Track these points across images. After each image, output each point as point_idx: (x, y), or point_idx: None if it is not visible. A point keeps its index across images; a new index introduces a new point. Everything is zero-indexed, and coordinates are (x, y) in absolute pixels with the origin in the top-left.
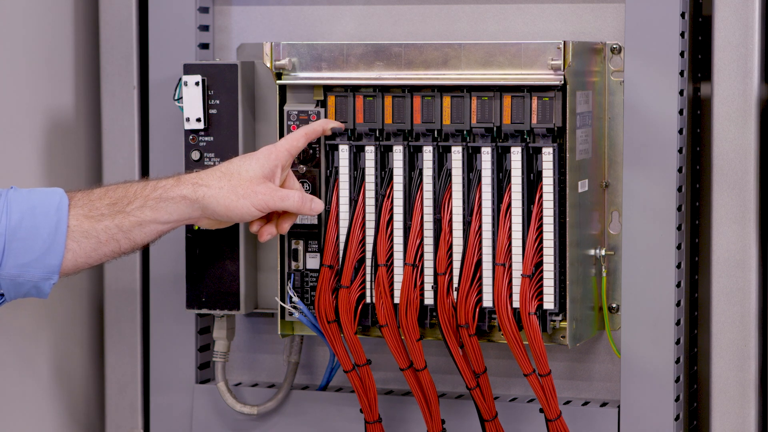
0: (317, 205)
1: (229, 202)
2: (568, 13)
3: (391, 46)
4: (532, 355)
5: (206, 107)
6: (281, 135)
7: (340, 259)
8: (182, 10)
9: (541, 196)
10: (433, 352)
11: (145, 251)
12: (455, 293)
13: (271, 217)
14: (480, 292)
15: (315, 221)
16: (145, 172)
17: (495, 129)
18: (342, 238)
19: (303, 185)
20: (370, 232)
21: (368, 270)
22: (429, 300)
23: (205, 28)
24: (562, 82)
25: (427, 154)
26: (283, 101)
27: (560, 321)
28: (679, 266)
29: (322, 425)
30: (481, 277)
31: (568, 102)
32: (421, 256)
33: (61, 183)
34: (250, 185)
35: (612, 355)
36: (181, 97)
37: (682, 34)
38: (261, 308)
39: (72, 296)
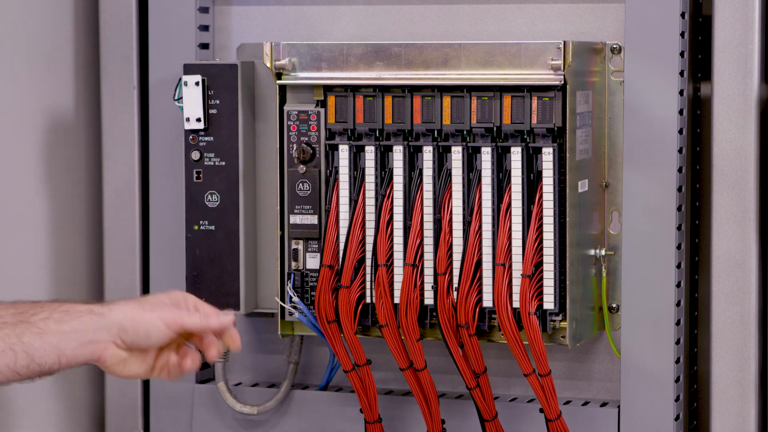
0: (225, 317)
1: (136, 314)
2: (568, 13)
3: (391, 46)
4: (532, 355)
5: (206, 107)
6: (281, 135)
7: (340, 259)
8: (182, 10)
9: (541, 196)
10: (433, 352)
11: (145, 251)
12: (455, 293)
13: (185, 351)
14: (480, 292)
15: (315, 221)
16: (145, 172)
17: (495, 129)
18: (342, 238)
19: (303, 185)
20: (370, 232)
21: (368, 270)
22: (429, 300)
23: (205, 28)
24: (562, 82)
25: (427, 154)
26: (283, 101)
27: (560, 321)
28: (679, 266)
29: (322, 425)
30: (481, 277)
31: (568, 102)
32: (421, 256)
33: (61, 183)
34: (158, 303)
35: (612, 355)
36: (181, 97)
37: (682, 34)
38: (261, 308)
39: (72, 296)
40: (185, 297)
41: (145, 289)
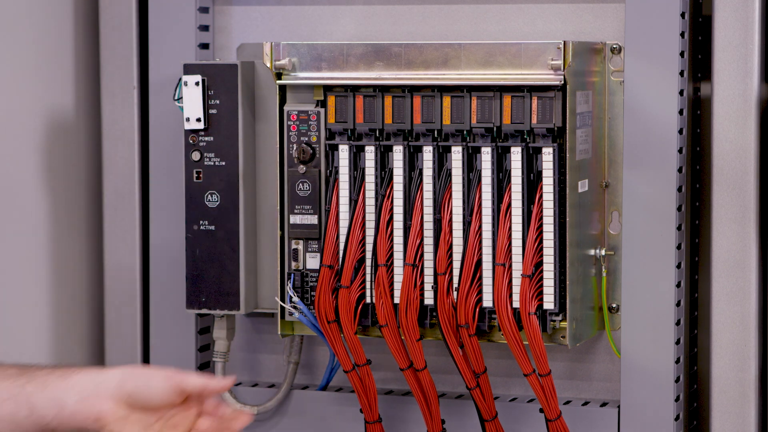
0: (226, 379)
1: (137, 368)
2: (568, 13)
3: (391, 46)
4: (532, 355)
5: (206, 107)
6: (281, 135)
7: (340, 259)
8: (182, 10)
9: (541, 196)
10: (433, 352)
11: (145, 251)
12: (455, 293)
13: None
14: (480, 292)
15: (315, 221)
16: (145, 172)
17: (495, 129)
18: (342, 238)
19: (303, 185)
20: (370, 232)
21: (368, 270)
22: (429, 300)
23: (205, 28)
24: (562, 82)
25: (427, 154)
26: (283, 101)
27: (560, 321)
28: (679, 266)
29: (322, 425)
30: (481, 277)
31: (568, 102)
32: (421, 256)
33: (61, 183)
34: (158, 368)
35: (612, 355)
36: (181, 97)
37: (682, 34)
38: (261, 308)
39: (72, 296)
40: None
41: (145, 289)
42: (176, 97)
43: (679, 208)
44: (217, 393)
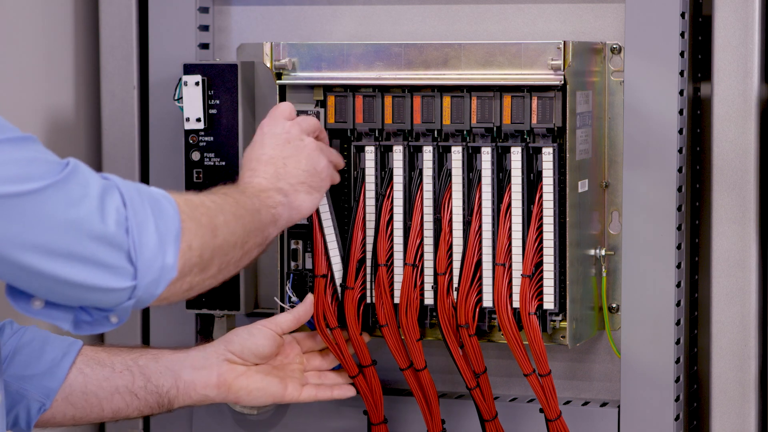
0: (305, 304)
1: (239, 329)
2: (568, 13)
3: (391, 46)
4: (532, 355)
5: (206, 107)
6: None
7: (341, 260)
8: (182, 10)
9: (541, 196)
10: (433, 352)
11: None
12: (455, 293)
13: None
14: (480, 292)
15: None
16: (144, 172)
17: (495, 129)
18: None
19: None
20: (370, 233)
21: (368, 270)
22: (429, 300)
23: (205, 28)
24: (562, 82)
25: (427, 154)
26: (283, 101)
27: (560, 321)
28: (679, 266)
29: (322, 425)
30: (481, 277)
31: (568, 102)
32: (421, 256)
33: None
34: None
35: (612, 355)
36: (181, 97)
37: (682, 34)
38: (261, 308)
39: None
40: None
41: None
42: (176, 97)
43: (679, 208)
44: (305, 320)
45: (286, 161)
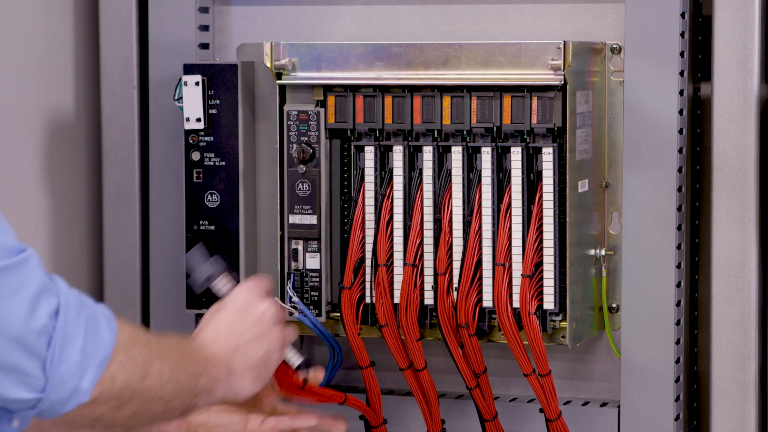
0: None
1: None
2: (568, 13)
3: (391, 46)
4: (532, 355)
5: (206, 107)
6: (281, 135)
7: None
8: (182, 10)
9: (541, 196)
10: (433, 352)
11: (144, 250)
12: (455, 293)
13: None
14: (480, 292)
15: (314, 221)
16: (144, 172)
17: (495, 129)
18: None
19: (303, 185)
20: (369, 233)
21: (368, 270)
22: (429, 300)
23: (205, 28)
24: (562, 82)
25: (427, 154)
26: (283, 101)
27: (560, 321)
28: (679, 266)
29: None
30: (481, 277)
31: (568, 102)
32: (421, 256)
33: (61, 183)
34: None
35: (612, 355)
36: (181, 97)
37: (682, 34)
38: None
39: None
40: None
41: (145, 289)
42: (176, 97)
43: (679, 208)
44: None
45: (250, 343)
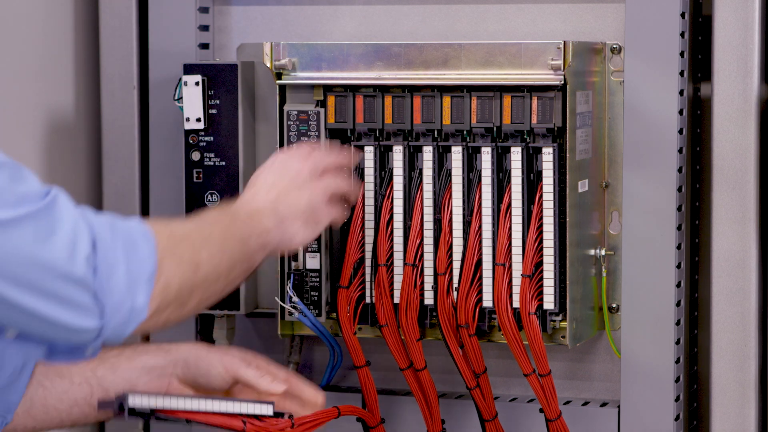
0: (278, 386)
1: (201, 352)
2: (568, 13)
3: (391, 46)
4: (532, 355)
5: (206, 107)
6: (281, 135)
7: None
8: (182, 10)
9: (541, 196)
10: (433, 352)
11: None
12: (455, 293)
13: None
14: (480, 292)
15: None
16: (144, 172)
17: (495, 129)
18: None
19: None
20: (369, 233)
21: (368, 270)
22: (429, 300)
23: (205, 28)
24: (562, 82)
25: (427, 154)
26: (283, 101)
27: (560, 321)
28: (679, 266)
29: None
30: (481, 277)
31: (568, 102)
32: (421, 256)
33: (61, 183)
34: (223, 349)
35: (612, 355)
36: (181, 97)
37: (682, 34)
38: (261, 308)
39: None
40: (254, 356)
41: None
42: (176, 97)
43: (679, 208)
44: (267, 392)
45: (289, 192)
